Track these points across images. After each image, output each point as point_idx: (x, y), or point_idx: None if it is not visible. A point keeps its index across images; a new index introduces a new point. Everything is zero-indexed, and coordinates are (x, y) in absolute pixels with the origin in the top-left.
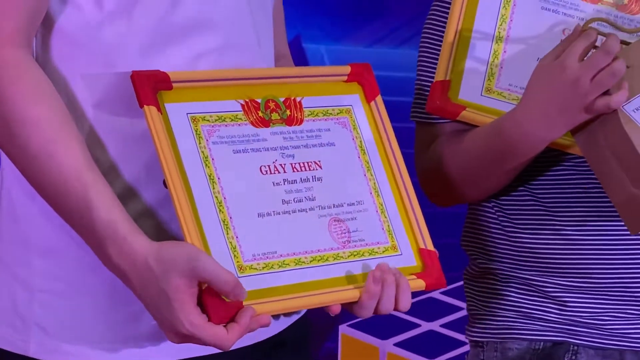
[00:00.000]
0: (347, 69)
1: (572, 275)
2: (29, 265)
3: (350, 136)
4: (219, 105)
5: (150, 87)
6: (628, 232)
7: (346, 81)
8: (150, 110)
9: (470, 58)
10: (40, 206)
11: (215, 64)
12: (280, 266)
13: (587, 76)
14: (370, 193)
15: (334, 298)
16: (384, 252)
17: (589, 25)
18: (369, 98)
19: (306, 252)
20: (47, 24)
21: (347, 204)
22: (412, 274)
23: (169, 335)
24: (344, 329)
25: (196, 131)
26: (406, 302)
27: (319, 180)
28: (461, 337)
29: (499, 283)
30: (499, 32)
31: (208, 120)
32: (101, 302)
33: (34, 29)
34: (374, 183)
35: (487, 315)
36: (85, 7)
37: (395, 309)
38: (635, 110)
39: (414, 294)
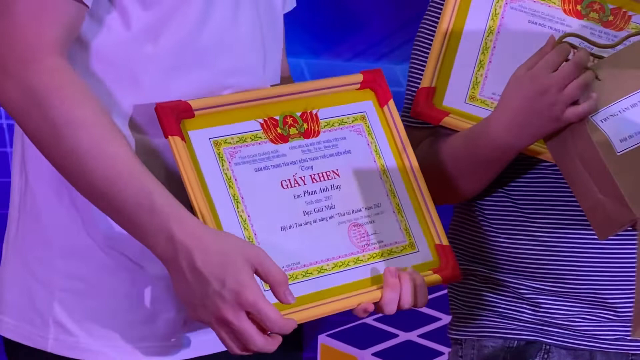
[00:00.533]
0: (359, 77)
1: (545, 279)
2: (50, 264)
3: (365, 142)
4: (239, 126)
5: (173, 117)
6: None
7: (359, 89)
8: (175, 141)
9: (456, 67)
10: (66, 208)
11: (224, 86)
12: (304, 276)
13: (556, 87)
14: (387, 195)
15: (358, 301)
16: (402, 250)
17: (563, 39)
18: (381, 103)
19: (328, 260)
20: (77, 41)
21: (365, 208)
22: (429, 270)
23: (217, 308)
24: (323, 339)
25: (219, 154)
26: (423, 298)
27: (337, 188)
28: (439, 347)
29: (477, 284)
30: (486, 43)
31: (229, 143)
32: (119, 303)
33: (71, 41)
34: (390, 185)
35: (467, 314)
36: (114, 26)
37: (414, 306)
38: (602, 121)
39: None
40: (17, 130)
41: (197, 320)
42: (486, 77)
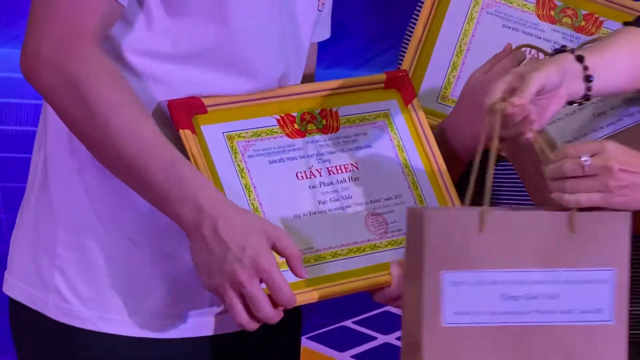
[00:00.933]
0: (382, 77)
1: None
2: (53, 233)
3: (388, 137)
4: (254, 122)
5: (184, 112)
6: None
7: (384, 88)
8: (185, 134)
9: (430, 67)
10: (74, 183)
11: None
12: (316, 260)
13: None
14: (409, 187)
15: (367, 284)
16: None
17: (520, 48)
18: (406, 101)
19: (343, 245)
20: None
21: (385, 199)
22: None
23: (234, 272)
24: (303, 342)
25: (232, 147)
26: None
27: (355, 180)
28: None
29: None
30: (460, 46)
31: (244, 137)
32: (114, 277)
33: (107, 34)
34: (413, 178)
35: None
36: (137, 26)
37: None
38: (549, 124)
39: (375, 306)
40: (43, 110)
41: (210, 287)
42: (459, 78)
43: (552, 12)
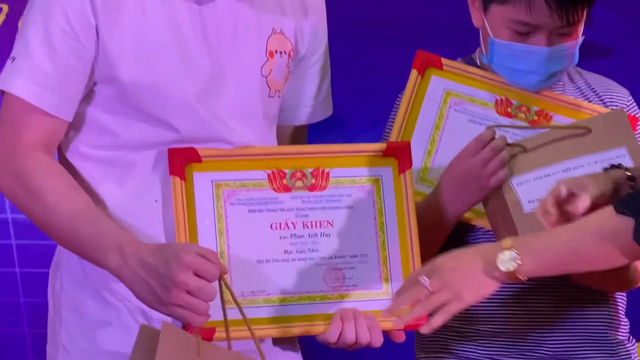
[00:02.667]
0: (382, 146)
1: (489, 323)
2: (60, 314)
3: (371, 200)
4: (244, 174)
5: (179, 160)
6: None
7: (382, 156)
8: (174, 180)
9: None
10: (78, 264)
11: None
12: (265, 302)
13: (477, 167)
14: (377, 248)
15: (302, 330)
16: (374, 296)
17: (489, 129)
18: (401, 170)
19: (294, 293)
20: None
21: (350, 256)
22: (395, 317)
23: (171, 278)
24: None
25: (216, 194)
26: (375, 339)
27: (326, 235)
28: None
29: (440, 334)
30: (434, 137)
31: (230, 186)
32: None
33: (58, 138)
34: (384, 240)
35: (425, 357)
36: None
37: (361, 344)
38: (518, 184)
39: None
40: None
41: (161, 308)
42: (433, 163)
43: (509, 109)
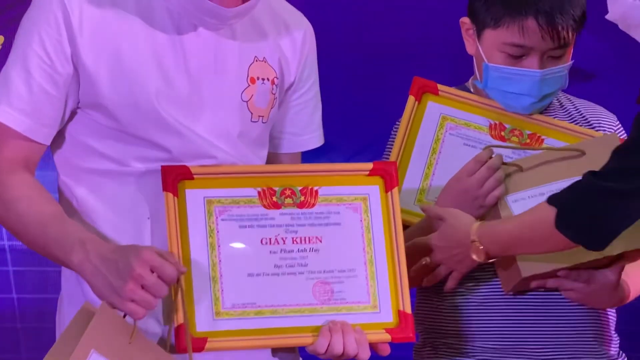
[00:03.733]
0: (369, 166)
1: (482, 338)
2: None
3: (358, 218)
4: (235, 191)
5: (172, 177)
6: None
7: (368, 175)
8: (167, 196)
9: (407, 178)
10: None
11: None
12: (256, 314)
13: (474, 186)
14: (365, 263)
15: (290, 342)
16: (362, 309)
17: (487, 149)
18: (387, 188)
19: (284, 305)
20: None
21: (338, 271)
22: (384, 329)
23: (129, 270)
24: None
25: (208, 210)
26: (363, 352)
27: (315, 251)
28: None
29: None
30: (430, 160)
31: (222, 203)
32: None
33: (36, 159)
34: (371, 256)
35: None
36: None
37: (348, 355)
38: (514, 202)
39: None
40: None
41: (119, 303)
42: (430, 185)
43: (502, 133)
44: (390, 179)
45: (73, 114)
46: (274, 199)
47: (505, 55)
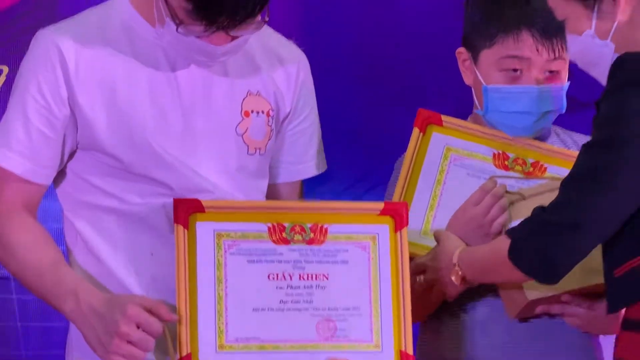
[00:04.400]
0: (380, 205)
1: None
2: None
3: (366, 257)
4: (246, 225)
5: (183, 210)
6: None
7: (379, 214)
8: (177, 228)
9: (412, 209)
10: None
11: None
12: (258, 349)
13: (481, 214)
14: (370, 302)
15: None
16: (364, 347)
17: (492, 179)
18: (397, 228)
19: (287, 341)
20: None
21: (343, 309)
22: None
23: (115, 327)
24: None
25: (217, 244)
26: None
27: (322, 288)
28: None
29: None
30: (435, 192)
31: (232, 237)
32: None
33: (37, 199)
34: (377, 295)
35: None
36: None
37: None
38: None
39: None
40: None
41: (105, 356)
42: (435, 217)
43: (506, 162)
44: (400, 219)
45: (73, 153)
46: (284, 234)
47: (503, 74)
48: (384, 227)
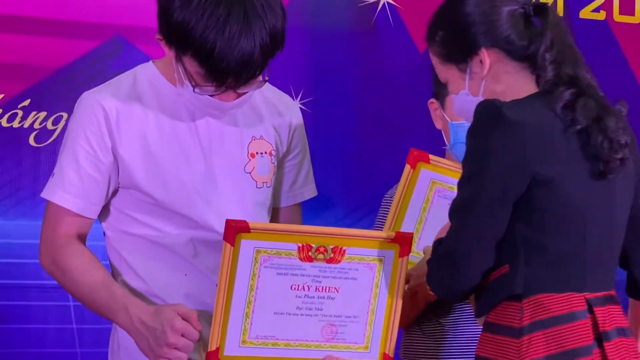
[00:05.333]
0: (391, 234)
1: None
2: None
3: (372, 276)
4: (280, 245)
5: (231, 230)
6: None
7: (389, 242)
8: (225, 245)
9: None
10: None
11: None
12: (273, 345)
13: None
14: (367, 312)
15: None
16: (356, 348)
17: None
18: (402, 254)
19: (296, 340)
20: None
21: (345, 316)
22: None
23: (164, 338)
24: None
25: (255, 258)
26: None
27: (331, 299)
28: None
29: None
30: (421, 218)
31: (268, 253)
32: None
33: (86, 229)
34: (374, 307)
35: None
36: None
37: None
38: None
39: None
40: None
41: (154, 359)
42: (420, 238)
43: None
44: (405, 248)
45: (115, 191)
46: (310, 253)
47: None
48: (391, 252)
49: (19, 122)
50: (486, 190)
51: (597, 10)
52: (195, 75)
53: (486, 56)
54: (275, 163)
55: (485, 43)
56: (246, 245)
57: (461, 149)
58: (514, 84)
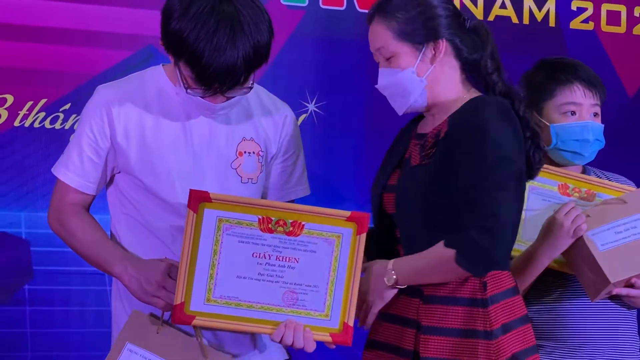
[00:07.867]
0: (347, 213)
1: (558, 339)
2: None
3: (331, 250)
4: (242, 215)
5: (194, 199)
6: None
7: (346, 220)
8: (188, 211)
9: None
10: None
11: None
12: (236, 305)
13: (567, 220)
14: (327, 283)
15: (254, 329)
16: (317, 315)
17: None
18: (359, 232)
19: (258, 303)
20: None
21: (305, 285)
22: (328, 333)
23: (155, 276)
24: None
25: (218, 226)
26: (308, 345)
27: (292, 268)
28: None
29: None
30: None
31: (229, 222)
32: None
33: (89, 201)
34: (334, 278)
35: None
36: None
37: (296, 347)
38: (592, 235)
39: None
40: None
41: (146, 299)
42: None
43: (270, 225)
44: (361, 226)
45: (113, 175)
46: (270, 225)
47: (563, 116)
48: (349, 230)
49: (61, 124)
50: (513, 171)
51: (586, 21)
52: (188, 78)
53: (442, 47)
54: (263, 163)
55: (445, 35)
56: (209, 213)
57: (568, 148)
58: (452, 79)
